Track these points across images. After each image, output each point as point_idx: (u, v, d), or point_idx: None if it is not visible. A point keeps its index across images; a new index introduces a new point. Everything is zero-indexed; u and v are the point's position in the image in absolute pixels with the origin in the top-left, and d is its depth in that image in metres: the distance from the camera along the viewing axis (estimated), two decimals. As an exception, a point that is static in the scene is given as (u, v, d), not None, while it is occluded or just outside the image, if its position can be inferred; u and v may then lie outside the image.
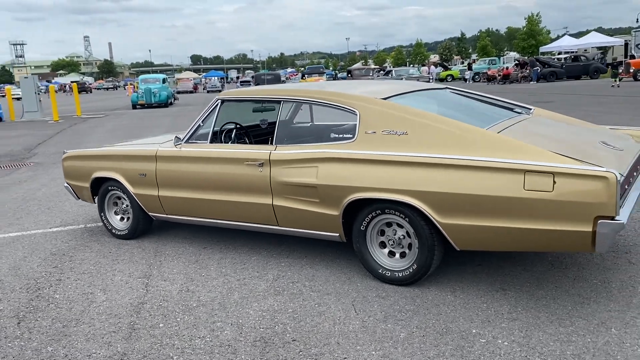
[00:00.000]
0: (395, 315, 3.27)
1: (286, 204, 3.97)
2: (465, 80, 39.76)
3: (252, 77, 38.72)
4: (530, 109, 4.60)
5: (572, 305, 3.26)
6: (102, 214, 5.25)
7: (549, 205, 3.00)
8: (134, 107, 27.26)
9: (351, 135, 3.77)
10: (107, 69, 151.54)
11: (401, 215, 3.53)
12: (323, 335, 3.09)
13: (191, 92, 51.92)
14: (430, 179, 3.35)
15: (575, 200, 2.94)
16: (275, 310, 3.45)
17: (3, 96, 25.25)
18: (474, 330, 3.03)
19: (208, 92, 50.01)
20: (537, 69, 32.94)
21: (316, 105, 4.10)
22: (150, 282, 4.04)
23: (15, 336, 3.30)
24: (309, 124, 4.58)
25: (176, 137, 4.63)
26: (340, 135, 3.92)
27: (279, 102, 4.29)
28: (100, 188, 5.16)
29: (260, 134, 5.03)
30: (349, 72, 29.06)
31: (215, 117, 4.49)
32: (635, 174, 3.49)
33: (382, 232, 3.75)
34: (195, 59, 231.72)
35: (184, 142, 4.56)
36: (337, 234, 3.86)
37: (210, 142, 4.47)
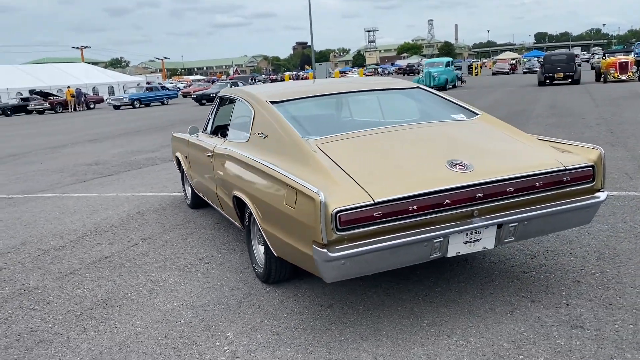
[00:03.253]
0: (205, 306, 3.50)
1: (219, 192, 4.42)
2: None
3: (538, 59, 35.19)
4: (477, 114, 3.84)
5: (372, 333, 2.94)
6: (183, 185, 6.48)
7: (292, 222, 2.83)
8: None
9: (248, 135, 3.99)
10: (447, 51, 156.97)
11: (255, 215, 3.65)
12: (139, 306, 3.58)
13: (507, 73, 50.57)
14: (256, 183, 3.41)
15: (302, 220, 2.71)
16: (153, 281, 4.03)
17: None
18: (229, 334, 3.09)
19: (525, 73, 47.91)
20: None
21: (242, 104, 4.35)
22: (140, 243, 5.02)
23: (22, 262, 4.72)
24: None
25: (195, 127, 5.44)
26: (248, 134, 4.13)
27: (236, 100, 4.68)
28: (180, 164, 6.38)
29: None
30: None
31: (215, 111, 5.14)
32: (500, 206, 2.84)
33: (264, 230, 3.89)
34: (540, 37, 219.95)
35: (201, 132, 5.34)
36: (240, 225, 4.15)
37: (211, 133, 5.15)
